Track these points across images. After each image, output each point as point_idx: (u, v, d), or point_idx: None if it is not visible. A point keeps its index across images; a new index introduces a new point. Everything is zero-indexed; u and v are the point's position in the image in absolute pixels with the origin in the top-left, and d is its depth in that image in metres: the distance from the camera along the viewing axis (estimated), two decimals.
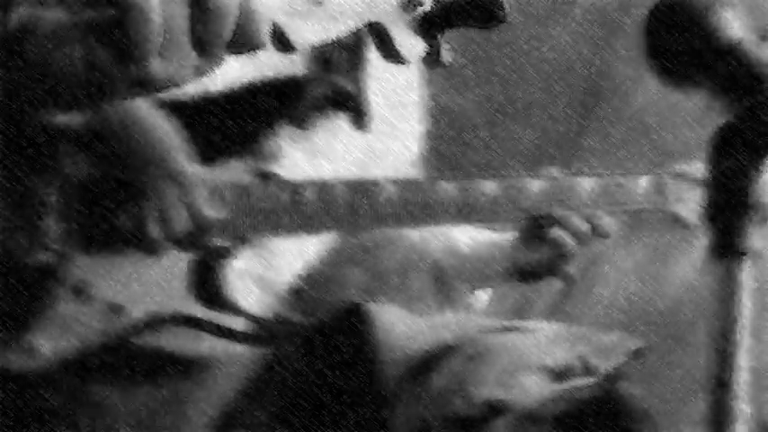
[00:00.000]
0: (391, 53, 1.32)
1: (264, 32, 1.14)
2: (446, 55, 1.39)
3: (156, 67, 1.09)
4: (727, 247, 0.99)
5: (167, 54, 1.09)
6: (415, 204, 1.82)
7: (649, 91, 2.95)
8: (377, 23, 1.28)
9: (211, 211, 1.68)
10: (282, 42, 1.17)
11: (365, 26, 1.27)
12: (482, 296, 2.08)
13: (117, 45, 1.08)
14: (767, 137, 1.01)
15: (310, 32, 1.18)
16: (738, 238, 1.00)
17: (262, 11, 1.12)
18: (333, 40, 1.21)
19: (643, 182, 1.93)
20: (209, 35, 1.10)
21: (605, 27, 2.91)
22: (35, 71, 1.16)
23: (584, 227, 1.89)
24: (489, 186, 1.87)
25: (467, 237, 2.05)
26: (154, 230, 1.66)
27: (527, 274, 1.97)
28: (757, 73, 1.03)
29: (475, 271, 2.01)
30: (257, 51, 1.16)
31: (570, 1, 2.97)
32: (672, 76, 1.07)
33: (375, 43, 1.31)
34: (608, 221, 1.91)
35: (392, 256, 2.04)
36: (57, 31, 1.15)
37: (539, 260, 1.92)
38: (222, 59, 1.15)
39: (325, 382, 1.80)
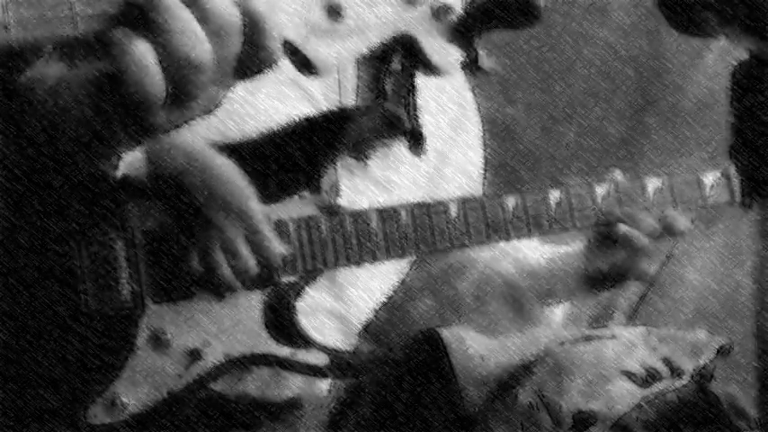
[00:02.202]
0: (424, 65, 1.29)
1: (273, 51, 1.10)
2: (485, 61, 1.36)
3: (162, 112, 1.06)
4: (756, 188, 0.96)
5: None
6: (481, 222, 1.81)
7: (700, 86, 2.90)
8: (406, 35, 1.25)
9: (279, 249, 1.68)
10: (305, 66, 1.14)
11: (393, 38, 1.24)
12: (558, 311, 2.05)
13: (122, 97, 1.05)
14: None
15: (332, 52, 1.15)
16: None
17: (268, 28, 1.08)
18: (358, 56, 1.18)
19: (710, 177, 1.89)
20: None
21: (651, 18, 2.85)
22: (44, 124, 1.16)
23: (654, 224, 1.85)
24: (554, 196, 1.85)
25: (538, 252, 2.02)
26: (224, 273, 1.66)
27: (602, 281, 1.92)
28: None
29: (550, 285, 1.98)
30: (266, 72, 1.12)
31: None
32: (690, 23, 1.04)
33: (404, 56, 1.28)
34: (681, 219, 1.87)
35: (465, 281, 2.02)
36: (60, 85, 1.15)
37: (613, 262, 1.88)
38: (227, 91, 1.11)
39: (408, 410, 1.78)
